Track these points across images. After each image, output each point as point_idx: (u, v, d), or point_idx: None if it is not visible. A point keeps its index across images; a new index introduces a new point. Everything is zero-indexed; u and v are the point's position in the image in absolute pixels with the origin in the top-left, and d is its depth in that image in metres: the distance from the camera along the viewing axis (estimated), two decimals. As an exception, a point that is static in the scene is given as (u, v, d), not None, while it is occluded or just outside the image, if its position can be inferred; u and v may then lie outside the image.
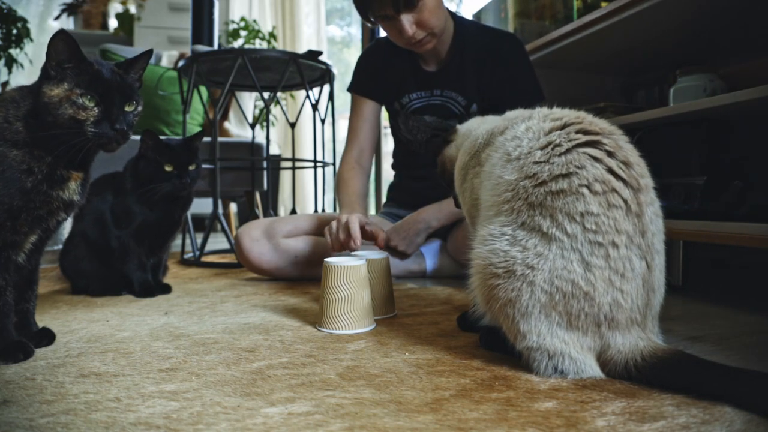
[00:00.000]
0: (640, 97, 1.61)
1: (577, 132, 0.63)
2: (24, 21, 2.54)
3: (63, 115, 0.68)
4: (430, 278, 1.37)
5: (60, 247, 1.25)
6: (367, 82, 1.40)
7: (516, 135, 0.67)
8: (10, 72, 2.52)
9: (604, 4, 1.24)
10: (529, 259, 0.59)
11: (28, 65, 2.77)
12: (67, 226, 1.21)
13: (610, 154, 0.60)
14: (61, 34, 0.68)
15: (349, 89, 1.43)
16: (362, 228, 1.11)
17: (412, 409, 0.53)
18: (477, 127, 0.82)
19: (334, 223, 1.13)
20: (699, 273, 1.35)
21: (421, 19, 1.15)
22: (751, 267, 1.37)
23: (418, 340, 0.79)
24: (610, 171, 0.59)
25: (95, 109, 0.70)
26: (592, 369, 0.60)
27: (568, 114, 0.67)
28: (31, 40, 2.63)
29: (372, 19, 1.19)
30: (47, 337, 0.78)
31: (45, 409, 0.53)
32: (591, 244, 0.57)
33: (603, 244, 0.57)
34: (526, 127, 0.67)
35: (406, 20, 1.14)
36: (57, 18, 3.53)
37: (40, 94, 0.69)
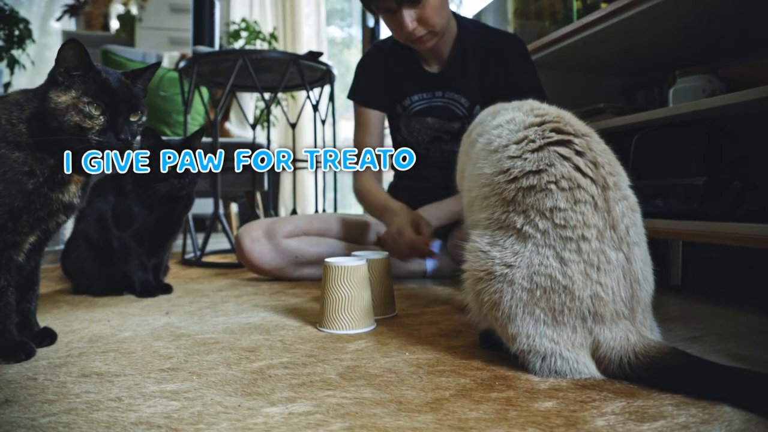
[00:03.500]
0: (640, 97, 1.61)
1: (551, 130, 0.65)
2: (26, 22, 2.54)
3: (68, 122, 0.69)
4: (430, 278, 1.38)
5: (62, 247, 1.25)
6: (369, 91, 1.37)
7: (500, 123, 0.70)
8: (12, 73, 2.53)
9: (603, 5, 1.25)
10: (507, 258, 0.61)
11: (30, 66, 2.78)
12: (68, 227, 1.21)
13: (579, 153, 0.63)
14: (71, 42, 0.69)
15: (351, 97, 1.40)
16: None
17: (413, 408, 0.53)
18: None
19: (398, 237, 1.10)
20: (698, 273, 1.35)
21: (423, 15, 1.15)
22: (749, 267, 1.37)
23: (419, 340, 0.79)
24: (578, 169, 0.61)
25: (101, 118, 0.71)
26: (587, 367, 0.60)
27: (550, 112, 0.69)
28: (33, 41, 2.63)
29: (374, 11, 1.19)
30: (49, 336, 0.78)
31: (47, 409, 0.54)
32: (562, 239, 0.59)
33: (573, 239, 0.59)
34: (511, 117, 0.70)
35: (408, 15, 1.14)
36: (59, 19, 3.54)
37: (47, 100, 0.69)
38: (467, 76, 1.30)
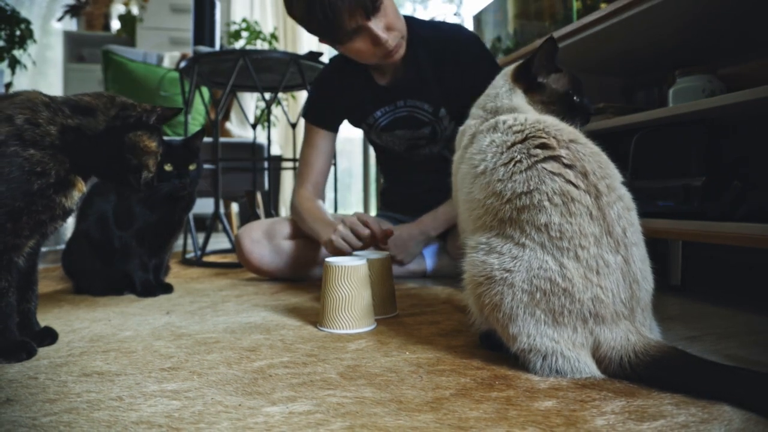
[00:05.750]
0: (640, 97, 1.61)
1: (536, 147, 0.65)
2: (27, 22, 2.55)
3: (144, 161, 0.79)
4: (430, 278, 1.38)
5: (62, 246, 1.26)
6: (320, 111, 1.33)
7: (481, 149, 0.70)
8: (13, 73, 2.53)
9: (603, 6, 1.25)
10: (506, 263, 0.62)
11: (32, 66, 2.78)
12: (69, 226, 1.21)
13: (568, 166, 0.63)
14: (180, 110, 0.84)
15: (303, 115, 1.37)
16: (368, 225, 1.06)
17: (413, 408, 0.53)
18: (476, 115, 0.81)
19: (343, 228, 1.05)
20: (698, 273, 1.36)
21: (389, 22, 1.10)
22: (749, 267, 1.37)
23: (419, 339, 0.79)
24: (569, 182, 0.62)
25: (155, 169, 0.83)
26: (588, 366, 0.60)
27: (529, 125, 0.68)
28: (35, 41, 2.64)
29: (341, 40, 1.11)
30: (50, 336, 0.79)
31: (48, 408, 0.54)
32: (559, 249, 0.60)
33: (570, 248, 0.60)
34: (491, 141, 0.70)
35: (378, 27, 1.08)
36: (60, 19, 3.55)
37: (128, 136, 0.77)
38: (424, 80, 1.24)
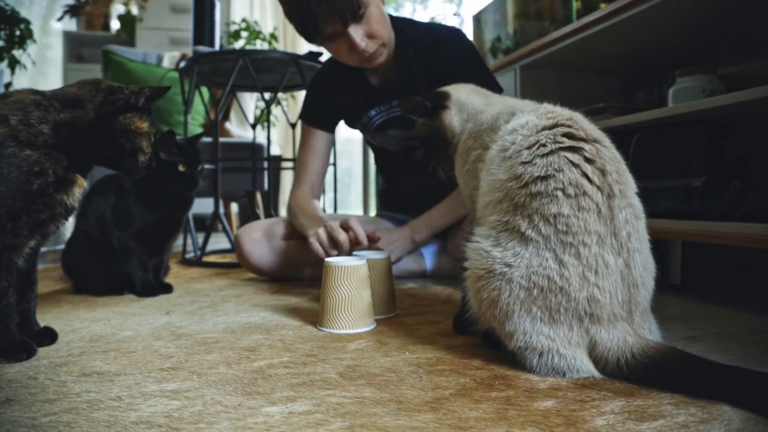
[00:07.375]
0: (640, 97, 1.61)
1: (563, 135, 0.65)
2: (27, 22, 2.55)
3: (137, 143, 0.79)
4: (430, 278, 1.38)
5: (62, 247, 1.26)
6: (316, 112, 1.34)
7: (515, 128, 0.70)
8: (13, 73, 2.54)
9: (603, 5, 1.25)
10: (507, 258, 0.62)
11: (31, 66, 2.78)
12: (69, 226, 1.21)
13: (588, 160, 0.63)
14: (167, 89, 0.83)
15: (300, 117, 1.38)
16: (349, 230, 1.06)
17: (413, 408, 0.53)
18: (481, 109, 0.82)
19: (321, 231, 1.06)
20: (698, 273, 1.36)
21: (370, 30, 1.11)
22: (749, 267, 1.37)
23: (419, 339, 0.79)
24: (585, 176, 0.62)
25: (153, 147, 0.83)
26: (584, 364, 0.60)
27: (561, 114, 0.69)
28: (34, 41, 2.64)
29: (320, 41, 1.13)
30: (49, 336, 0.79)
31: (47, 408, 0.54)
32: (563, 244, 0.60)
33: (573, 244, 0.60)
34: (526, 121, 0.70)
35: (357, 34, 1.09)
36: (60, 19, 3.55)
37: (119, 121, 0.77)
38: (414, 82, 1.24)
